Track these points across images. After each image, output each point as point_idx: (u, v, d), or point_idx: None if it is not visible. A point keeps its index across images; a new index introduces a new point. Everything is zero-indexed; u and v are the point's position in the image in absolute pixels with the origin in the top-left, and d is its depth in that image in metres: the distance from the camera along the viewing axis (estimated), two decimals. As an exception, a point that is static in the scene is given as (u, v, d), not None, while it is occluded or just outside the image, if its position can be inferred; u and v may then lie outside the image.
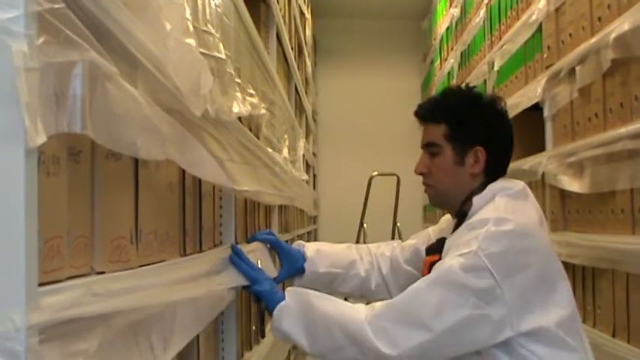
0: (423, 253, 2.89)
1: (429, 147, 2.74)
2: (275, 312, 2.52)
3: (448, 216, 2.93)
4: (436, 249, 2.69)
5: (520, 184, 2.65)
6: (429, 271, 2.48)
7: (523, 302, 2.34)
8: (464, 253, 2.36)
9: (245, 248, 2.84)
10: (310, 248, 3.04)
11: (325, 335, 2.44)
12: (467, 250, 2.36)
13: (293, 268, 2.99)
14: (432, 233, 3.03)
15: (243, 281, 2.63)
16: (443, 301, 2.31)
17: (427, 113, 2.78)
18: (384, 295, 2.93)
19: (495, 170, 2.69)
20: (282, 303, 2.52)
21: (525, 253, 2.40)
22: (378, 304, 2.43)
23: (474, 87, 2.86)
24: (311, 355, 2.60)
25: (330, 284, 3.01)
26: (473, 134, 2.67)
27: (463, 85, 2.89)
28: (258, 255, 2.93)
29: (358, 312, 2.42)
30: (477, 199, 2.57)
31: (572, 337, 2.45)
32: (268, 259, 3.03)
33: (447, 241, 2.61)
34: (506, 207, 2.48)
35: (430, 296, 2.33)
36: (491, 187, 2.60)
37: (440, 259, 2.52)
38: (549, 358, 2.38)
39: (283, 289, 2.65)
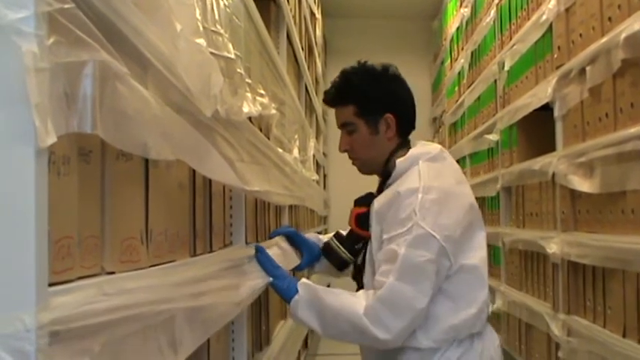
0: None
1: (345, 126, 3.06)
2: (291, 304, 2.85)
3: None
4: (364, 202, 3.08)
5: (437, 148, 2.98)
6: (356, 222, 3.04)
7: (458, 250, 2.76)
8: (405, 230, 2.71)
9: (267, 242, 3.15)
10: (324, 238, 3.42)
11: (333, 323, 2.79)
12: (409, 226, 2.71)
13: (312, 255, 3.37)
14: None
15: (264, 276, 2.89)
16: (414, 283, 2.67)
17: (334, 98, 3.11)
18: None
19: (405, 128, 3.04)
20: (296, 297, 2.83)
21: (453, 211, 2.77)
22: (371, 296, 2.73)
23: (365, 61, 3.13)
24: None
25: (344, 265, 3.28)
26: (379, 105, 2.99)
27: (356, 63, 3.14)
28: (280, 246, 3.30)
29: (357, 305, 2.73)
30: (400, 162, 2.91)
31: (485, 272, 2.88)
32: (290, 249, 3.42)
33: (375, 200, 2.96)
34: (428, 173, 2.81)
35: (404, 284, 2.67)
36: (413, 152, 2.94)
37: (368, 211, 3.00)
38: (464, 294, 2.80)
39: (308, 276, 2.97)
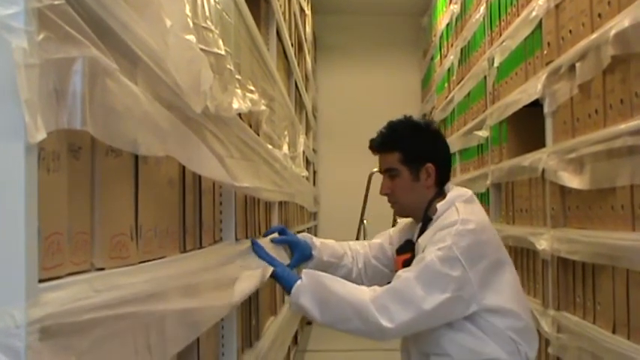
0: (387, 249, 3.68)
1: (388, 172, 3.38)
2: (293, 290, 3.09)
3: (406, 220, 3.65)
4: (406, 249, 3.37)
5: (469, 192, 3.31)
6: (403, 267, 3.18)
7: (484, 283, 3.02)
8: (440, 247, 3.00)
9: (260, 242, 3.32)
10: (316, 240, 3.65)
11: (335, 309, 3.03)
12: (442, 245, 3.00)
13: (303, 255, 3.58)
14: (392, 233, 3.76)
15: (262, 267, 3.12)
16: (429, 287, 2.94)
17: (382, 145, 3.41)
18: (359, 283, 3.44)
19: (443, 178, 3.36)
20: (299, 282, 3.10)
21: (484, 245, 3.08)
22: (378, 288, 3.03)
23: (411, 116, 3.48)
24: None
25: (326, 270, 3.47)
26: (421, 155, 3.31)
27: (403, 117, 3.47)
28: (271, 245, 3.50)
29: (363, 293, 3.02)
30: (440, 206, 3.22)
31: (518, 306, 3.12)
32: (280, 248, 3.58)
33: (419, 240, 3.23)
34: (465, 210, 3.15)
35: (419, 283, 2.95)
36: (450, 196, 3.25)
37: (412, 256, 3.22)
38: (500, 325, 3.05)
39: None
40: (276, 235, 3.66)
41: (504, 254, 3.21)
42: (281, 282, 3.19)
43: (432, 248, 3.03)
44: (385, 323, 2.91)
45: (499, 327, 3.04)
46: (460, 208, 3.14)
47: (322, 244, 3.65)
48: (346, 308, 2.99)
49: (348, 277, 3.56)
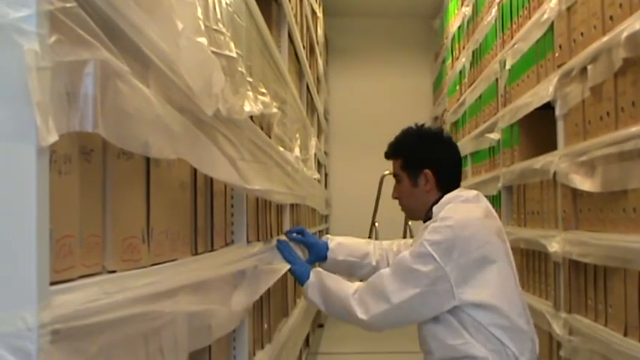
0: None
1: (395, 177, 3.57)
2: (304, 286, 3.46)
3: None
4: None
5: (472, 193, 3.41)
6: None
7: (464, 279, 3.09)
8: (417, 244, 3.17)
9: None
10: (334, 241, 3.82)
11: (332, 303, 3.35)
12: (419, 242, 3.16)
13: (318, 256, 3.79)
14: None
15: (281, 261, 3.54)
16: (401, 282, 3.12)
17: (389, 152, 3.61)
18: None
19: (446, 184, 3.44)
20: (308, 281, 3.43)
21: (465, 241, 3.11)
22: (362, 284, 3.30)
23: (423, 124, 3.61)
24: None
25: (348, 269, 3.82)
26: (420, 162, 3.44)
27: (416, 125, 3.61)
28: (291, 243, 3.75)
29: (351, 289, 3.27)
30: (435, 208, 3.34)
31: (504, 304, 3.13)
32: (296, 248, 3.77)
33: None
34: (454, 209, 3.25)
35: (392, 278, 3.15)
36: (446, 197, 3.37)
37: None
38: (482, 320, 3.10)
39: None
40: (294, 234, 3.86)
41: (496, 252, 3.19)
42: (297, 278, 3.56)
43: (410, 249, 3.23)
44: (361, 315, 3.17)
45: (481, 322, 3.10)
46: (450, 208, 3.26)
47: (338, 245, 3.80)
48: (338, 303, 3.31)
49: (372, 274, 3.60)
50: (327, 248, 3.77)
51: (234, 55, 2.41)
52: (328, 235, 3.94)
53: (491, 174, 7.01)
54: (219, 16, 2.26)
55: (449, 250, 3.07)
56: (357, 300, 3.21)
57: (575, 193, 4.31)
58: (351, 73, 13.01)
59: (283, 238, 3.77)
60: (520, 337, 3.15)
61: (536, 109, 5.19)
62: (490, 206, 3.41)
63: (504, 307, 3.11)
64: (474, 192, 3.42)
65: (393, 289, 3.11)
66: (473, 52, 8.37)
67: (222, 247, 2.70)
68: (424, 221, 3.42)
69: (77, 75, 1.18)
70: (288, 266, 3.52)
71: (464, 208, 3.27)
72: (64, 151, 1.26)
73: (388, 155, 3.61)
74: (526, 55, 5.59)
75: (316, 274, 3.44)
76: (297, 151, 4.90)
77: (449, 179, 3.46)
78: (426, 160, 3.43)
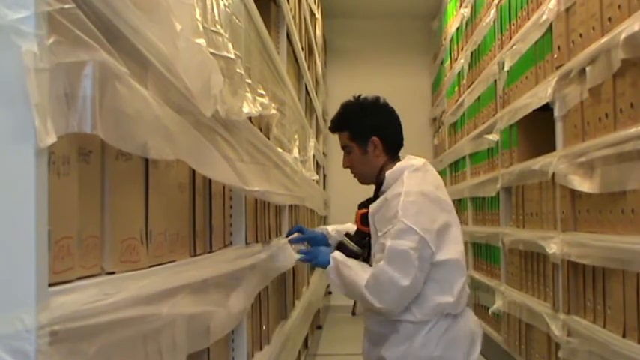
0: None
1: (344, 148, 3.78)
2: (327, 270, 3.62)
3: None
4: (365, 204, 3.73)
5: (421, 161, 3.64)
6: (361, 221, 3.72)
7: (439, 242, 3.39)
8: (391, 226, 3.37)
9: (281, 241, 3.64)
10: (331, 229, 4.17)
11: (349, 290, 3.54)
12: (394, 222, 3.36)
13: (319, 246, 3.98)
14: None
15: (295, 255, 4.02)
16: (401, 267, 3.31)
17: (334, 127, 3.82)
18: None
19: (392, 147, 3.72)
20: (329, 266, 3.60)
21: (431, 210, 3.42)
22: (370, 274, 3.42)
23: (360, 95, 3.87)
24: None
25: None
26: (365, 131, 3.66)
27: (353, 97, 3.87)
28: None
29: (362, 279, 3.43)
30: (388, 174, 3.58)
31: (459, 255, 3.51)
32: (301, 245, 4.15)
33: (371, 206, 3.62)
34: (410, 182, 3.47)
35: (392, 267, 3.32)
36: (399, 165, 3.60)
37: (367, 212, 3.63)
38: (446, 275, 3.43)
39: None
40: (295, 235, 4.10)
41: (452, 217, 3.54)
42: (319, 265, 3.72)
43: (387, 234, 3.40)
44: (377, 304, 3.37)
45: (444, 276, 3.45)
46: (406, 179, 3.50)
47: (336, 232, 4.12)
48: (354, 290, 3.49)
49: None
50: (327, 237, 4.11)
51: (233, 56, 2.41)
52: (321, 227, 4.32)
53: (490, 175, 7.01)
54: (217, 17, 2.26)
55: (422, 219, 3.36)
56: (370, 291, 3.40)
57: (574, 195, 4.31)
58: (350, 74, 12.99)
59: (287, 240, 4.07)
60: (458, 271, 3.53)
61: (535, 111, 5.20)
62: (437, 174, 3.76)
63: (461, 260, 3.51)
64: (422, 160, 3.67)
65: (397, 276, 3.31)
66: (471, 54, 8.38)
67: (220, 249, 2.70)
68: (375, 184, 3.72)
69: (76, 76, 1.18)
70: (293, 263, 3.93)
71: (418, 179, 3.52)
72: (63, 152, 1.26)
73: (333, 129, 3.84)
74: (525, 57, 5.60)
75: (334, 261, 3.62)
76: (295, 152, 4.90)
77: (394, 142, 3.75)
78: (371, 129, 3.68)
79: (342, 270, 3.58)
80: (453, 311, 3.47)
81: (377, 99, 3.86)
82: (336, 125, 3.82)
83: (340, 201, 12.37)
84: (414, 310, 3.43)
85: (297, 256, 3.98)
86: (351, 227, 4.02)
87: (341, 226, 4.22)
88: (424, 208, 3.42)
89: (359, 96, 3.88)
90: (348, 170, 3.79)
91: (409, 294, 3.39)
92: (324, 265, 3.66)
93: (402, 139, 3.82)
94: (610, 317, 3.75)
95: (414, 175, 3.54)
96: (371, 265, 3.58)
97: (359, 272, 3.54)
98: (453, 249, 3.48)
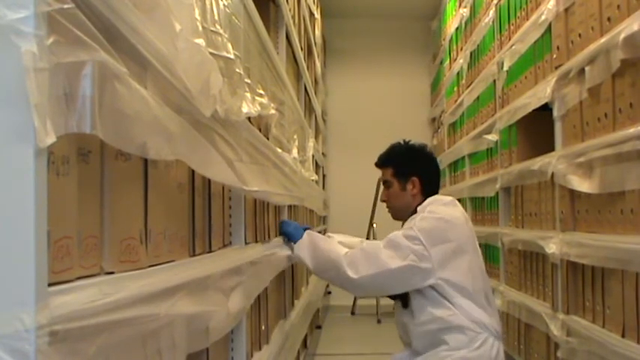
0: None
1: (385, 183, 4.23)
2: (295, 244, 4.04)
3: None
4: None
5: (448, 198, 4.03)
6: None
7: (443, 262, 3.67)
8: (407, 228, 3.76)
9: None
10: (336, 237, 4.41)
11: (320, 261, 3.90)
12: (409, 227, 3.76)
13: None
14: None
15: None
16: (394, 252, 3.66)
17: (381, 162, 4.26)
18: None
19: (428, 190, 4.11)
20: (300, 240, 4.01)
21: (447, 231, 3.75)
22: (357, 248, 3.84)
23: (409, 140, 4.28)
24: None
25: None
26: (408, 171, 4.11)
27: (403, 140, 4.29)
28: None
29: (342, 250, 3.81)
30: (419, 208, 3.92)
31: (474, 289, 3.75)
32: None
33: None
34: (434, 208, 3.86)
35: (385, 248, 3.68)
36: (428, 200, 3.98)
37: None
38: (454, 299, 3.68)
39: None
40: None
41: (470, 245, 3.84)
42: (290, 238, 4.13)
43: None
44: (351, 274, 3.68)
45: (453, 296, 3.69)
46: (432, 207, 3.87)
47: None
48: (327, 261, 3.83)
49: None
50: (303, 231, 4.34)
51: (232, 56, 2.41)
52: (328, 234, 4.57)
53: (489, 175, 7.01)
54: (216, 17, 2.26)
55: (433, 236, 3.69)
56: (349, 260, 3.72)
57: (573, 195, 4.31)
58: (349, 74, 13.00)
59: (281, 238, 4.28)
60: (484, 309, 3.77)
61: (534, 111, 5.19)
62: (464, 211, 4.06)
63: (469, 288, 3.71)
64: (449, 197, 4.06)
65: (385, 256, 3.64)
66: (471, 54, 8.37)
67: (220, 249, 2.70)
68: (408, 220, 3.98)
69: (75, 76, 1.18)
70: (288, 252, 4.09)
71: (445, 208, 3.89)
72: (62, 152, 1.26)
73: (380, 164, 4.27)
74: (524, 57, 5.60)
75: (309, 234, 4.05)
76: (295, 152, 4.90)
77: (431, 185, 4.15)
78: (413, 169, 4.10)
79: (317, 242, 3.96)
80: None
81: (424, 146, 4.30)
82: (383, 160, 4.25)
83: (340, 201, 12.38)
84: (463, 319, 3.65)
85: (286, 252, 4.12)
86: (355, 241, 4.39)
87: (348, 239, 4.45)
88: (439, 227, 3.74)
89: (408, 141, 4.30)
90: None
91: (385, 279, 3.68)
92: (295, 235, 4.06)
93: (438, 184, 4.24)
94: (609, 317, 3.75)
95: (441, 206, 3.91)
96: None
97: (337, 245, 3.94)
98: (461, 274, 3.71)
